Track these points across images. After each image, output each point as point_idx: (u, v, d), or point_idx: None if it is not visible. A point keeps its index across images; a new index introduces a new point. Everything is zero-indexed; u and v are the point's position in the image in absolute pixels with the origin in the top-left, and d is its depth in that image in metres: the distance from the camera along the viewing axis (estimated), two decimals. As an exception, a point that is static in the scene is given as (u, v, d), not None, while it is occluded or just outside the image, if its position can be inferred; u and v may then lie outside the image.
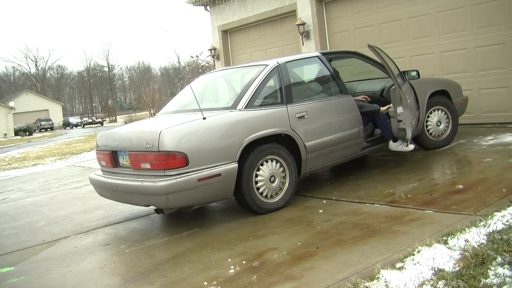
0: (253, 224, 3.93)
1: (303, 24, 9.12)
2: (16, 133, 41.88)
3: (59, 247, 4.08)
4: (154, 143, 3.76)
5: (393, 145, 5.10)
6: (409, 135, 5.03)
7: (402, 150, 5.03)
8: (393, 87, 4.98)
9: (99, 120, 54.64)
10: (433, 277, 2.42)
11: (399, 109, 4.97)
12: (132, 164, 4.00)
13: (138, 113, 44.04)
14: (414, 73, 5.23)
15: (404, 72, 5.19)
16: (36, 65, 72.17)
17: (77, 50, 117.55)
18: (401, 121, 4.98)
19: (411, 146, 5.01)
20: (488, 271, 2.35)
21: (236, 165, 3.93)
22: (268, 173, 4.15)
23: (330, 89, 4.98)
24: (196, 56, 17.71)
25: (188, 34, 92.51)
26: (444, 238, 2.86)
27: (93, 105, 73.04)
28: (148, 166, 3.84)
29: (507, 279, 2.27)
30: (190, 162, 3.73)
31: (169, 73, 74.46)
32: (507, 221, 2.92)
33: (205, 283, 2.85)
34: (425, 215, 3.52)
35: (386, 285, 2.41)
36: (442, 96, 5.79)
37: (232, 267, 3.03)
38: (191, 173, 3.73)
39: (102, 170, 4.62)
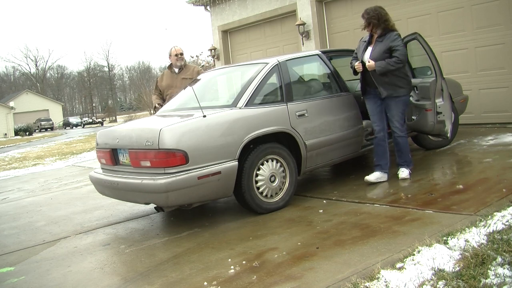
0: (253, 224, 3.93)
1: (303, 24, 9.13)
2: (16, 133, 41.90)
3: (59, 247, 4.08)
4: (154, 140, 3.76)
5: (370, 177, 4.66)
6: (448, 126, 4.99)
7: (379, 181, 4.65)
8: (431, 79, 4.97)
9: (99, 120, 54.69)
10: (433, 277, 2.41)
11: (439, 101, 4.95)
12: (132, 162, 4.00)
13: (138, 113, 44.04)
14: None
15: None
16: (36, 65, 72.29)
17: (77, 50, 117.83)
18: (441, 113, 4.96)
19: (385, 176, 4.67)
20: (488, 271, 2.35)
21: (236, 163, 3.92)
22: (269, 173, 4.15)
23: (331, 87, 4.99)
24: (196, 56, 17.70)
25: (188, 34, 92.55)
26: (444, 238, 2.86)
27: (93, 105, 73.07)
28: (148, 164, 3.84)
29: (507, 279, 2.27)
30: (190, 160, 3.73)
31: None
32: (507, 221, 2.92)
33: (205, 283, 2.85)
34: (425, 215, 3.51)
35: (386, 285, 2.41)
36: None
37: (232, 267, 3.03)
38: (191, 171, 3.73)
39: (102, 168, 4.62)
